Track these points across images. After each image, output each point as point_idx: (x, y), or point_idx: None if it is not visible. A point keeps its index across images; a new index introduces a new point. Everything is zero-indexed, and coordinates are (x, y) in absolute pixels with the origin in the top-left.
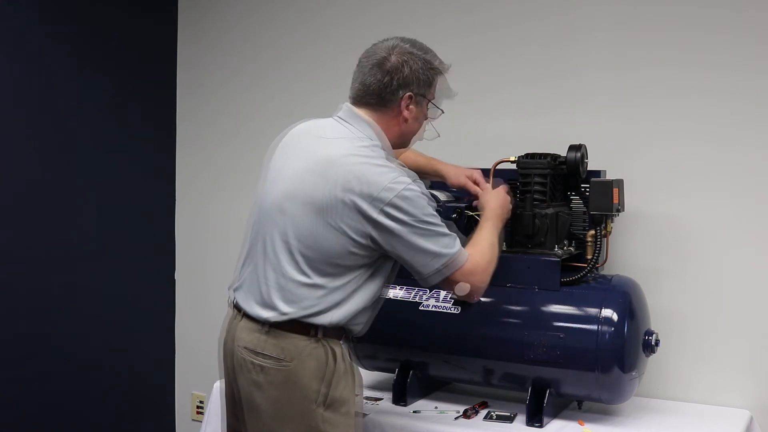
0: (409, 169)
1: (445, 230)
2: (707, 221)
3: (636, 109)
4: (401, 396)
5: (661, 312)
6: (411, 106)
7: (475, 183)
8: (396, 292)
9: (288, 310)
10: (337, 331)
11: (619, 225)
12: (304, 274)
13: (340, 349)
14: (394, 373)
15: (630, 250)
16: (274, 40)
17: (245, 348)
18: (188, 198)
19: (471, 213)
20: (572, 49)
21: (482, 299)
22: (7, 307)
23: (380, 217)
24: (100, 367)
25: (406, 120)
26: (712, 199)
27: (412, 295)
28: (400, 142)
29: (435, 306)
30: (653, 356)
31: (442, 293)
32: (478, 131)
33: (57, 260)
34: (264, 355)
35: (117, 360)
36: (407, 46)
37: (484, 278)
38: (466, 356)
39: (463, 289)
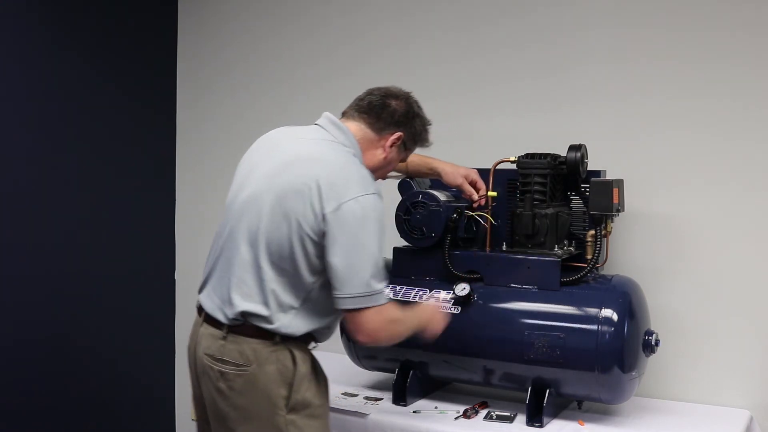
0: (405, 166)
1: (380, 263)
2: (707, 221)
3: (636, 109)
4: (401, 396)
5: (661, 312)
6: (395, 147)
7: (473, 183)
8: (396, 292)
9: (243, 305)
10: (297, 336)
11: (619, 225)
12: (261, 268)
13: (302, 352)
14: (394, 373)
15: (630, 250)
16: (275, 32)
17: (206, 354)
18: (188, 198)
19: (471, 213)
20: (572, 49)
21: (482, 299)
22: (6, 306)
23: (331, 215)
24: (100, 367)
25: (384, 154)
26: (712, 199)
27: (412, 295)
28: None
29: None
30: (653, 356)
31: (442, 293)
32: (478, 130)
33: (57, 259)
34: (224, 361)
35: (117, 360)
36: (418, 107)
37: (387, 332)
38: (466, 356)
39: (363, 326)
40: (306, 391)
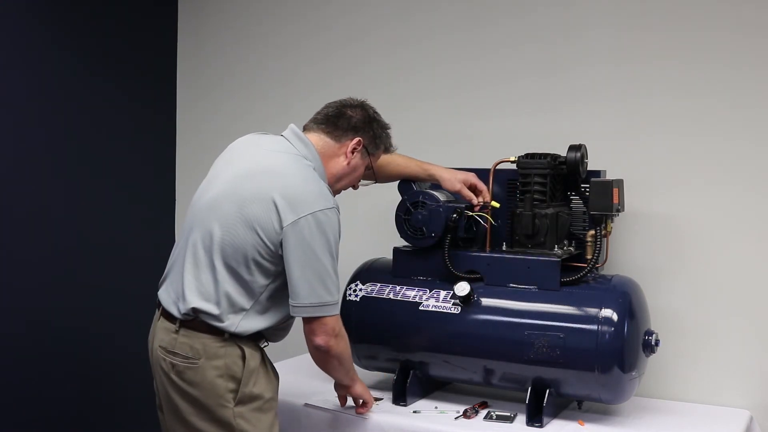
0: (401, 174)
1: (335, 275)
2: (707, 221)
3: (636, 109)
4: (401, 396)
5: (661, 312)
6: (356, 153)
7: (472, 186)
8: (396, 292)
9: (196, 302)
10: (248, 334)
11: (619, 225)
12: (215, 269)
13: (250, 348)
14: (394, 373)
15: (630, 250)
16: (275, 32)
17: (160, 347)
18: (188, 198)
19: (471, 213)
20: (572, 49)
21: (482, 299)
22: (5, 305)
23: (289, 228)
24: (100, 367)
25: (347, 164)
26: (712, 199)
27: (412, 295)
28: (334, 182)
29: (435, 306)
30: (653, 356)
31: (442, 293)
32: (478, 130)
33: (56, 259)
34: (175, 354)
35: (117, 359)
36: (372, 110)
37: (338, 348)
38: (466, 356)
39: (319, 334)
40: (254, 386)
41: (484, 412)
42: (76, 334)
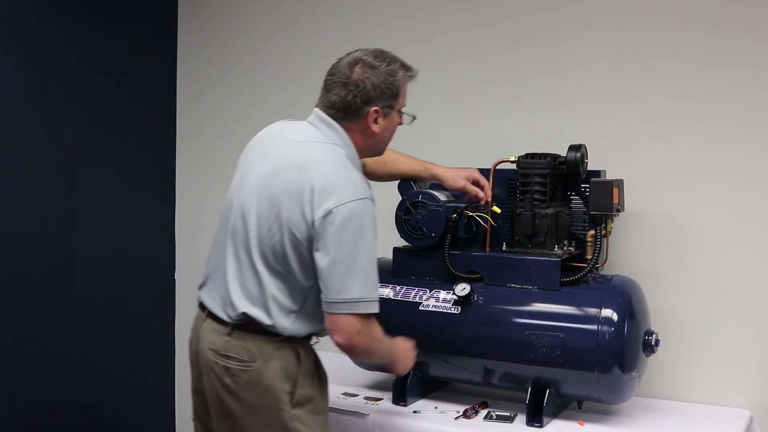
0: (404, 173)
1: (374, 270)
2: (707, 221)
3: (636, 109)
4: (401, 396)
5: (661, 312)
6: (379, 119)
7: (475, 182)
8: (396, 292)
9: (248, 308)
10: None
11: (619, 225)
12: (259, 273)
13: (305, 349)
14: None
15: (630, 250)
16: (275, 32)
17: (211, 350)
18: (188, 198)
19: (471, 213)
20: (572, 49)
21: (482, 299)
22: (5, 306)
23: (319, 221)
24: (100, 367)
25: (374, 133)
26: (712, 199)
27: (412, 295)
28: (372, 152)
29: (435, 306)
30: (653, 356)
31: (442, 293)
32: (478, 130)
33: (56, 259)
34: (228, 357)
35: (117, 360)
36: (369, 59)
37: (368, 346)
38: (466, 356)
39: (346, 334)
40: (309, 387)
41: (484, 412)
42: (75, 335)
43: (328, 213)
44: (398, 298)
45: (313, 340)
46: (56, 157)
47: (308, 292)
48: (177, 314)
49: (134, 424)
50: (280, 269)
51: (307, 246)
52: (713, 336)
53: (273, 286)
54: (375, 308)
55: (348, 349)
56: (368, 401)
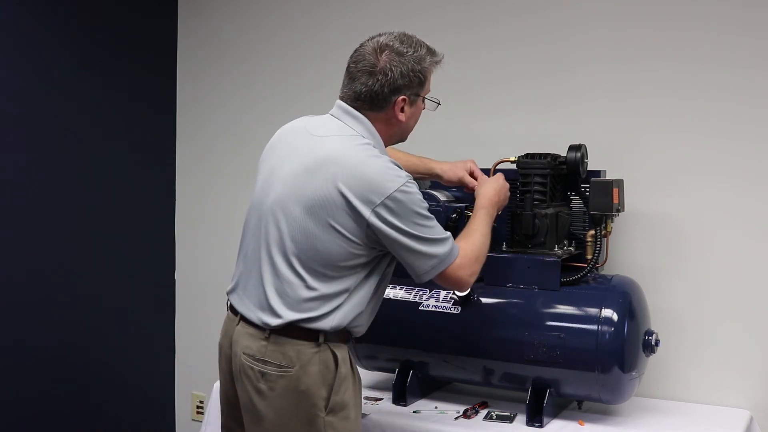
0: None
1: (438, 229)
2: (707, 221)
3: (636, 109)
4: (401, 396)
5: (661, 312)
6: (405, 108)
7: (472, 173)
8: (396, 292)
9: (289, 315)
10: (339, 335)
11: (619, 225)
12: (300, 277)
13: (342, 352)
14: (394, 373)
15: (630, 250)
16: (275, 32)
17: (245, 354)
18: (188, 198)
19: (471, 213)
20: (572, 49)
21: (482, 299)
22: (5, 307)
23: (372, 217)
24: (100, 367)
25: (400, 122)
26: (712, 199)
27: (412, 295)
28: (397, 140)
29: (435, 306)
30: (653, 356)
31: (443, 293)
32: (478, 130)
33: (56, 259)
34: (265, 362)
35: (117, 360)
36: (396, 44)
37: (474, 269)
38: (466, 356)
39: (452, 281)
40: (345, 393)
41: (484, 412)
42: (75, 335)
43: (375, 211)
44: (398, 298)
45: (349, 342)
46: (56, 157)
47: (349, 289)
48: (177, 315)
49: (134, 425)
50: (321, 270)
51: (351, 239)
52: (713, 336)
53: (316, 285)
54: (454, 251)
55: (466, 283)
56: (368, 401)
